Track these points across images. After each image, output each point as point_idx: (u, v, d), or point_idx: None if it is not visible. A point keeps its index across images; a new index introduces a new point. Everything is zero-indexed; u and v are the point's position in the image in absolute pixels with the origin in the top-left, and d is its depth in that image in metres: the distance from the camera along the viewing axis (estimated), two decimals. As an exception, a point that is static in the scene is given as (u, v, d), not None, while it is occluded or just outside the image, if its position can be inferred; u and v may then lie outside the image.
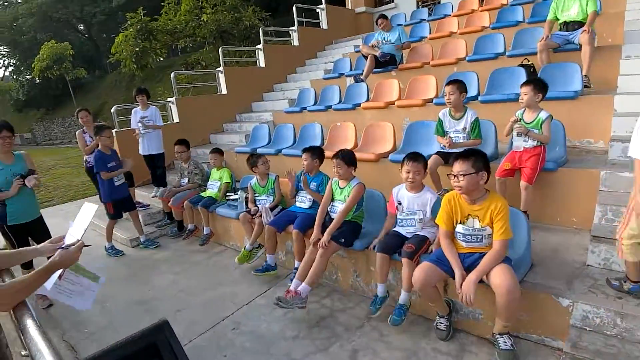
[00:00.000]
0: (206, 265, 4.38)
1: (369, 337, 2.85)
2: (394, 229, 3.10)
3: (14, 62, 35.88)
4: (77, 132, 5.53)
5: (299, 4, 9.30)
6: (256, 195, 4.34)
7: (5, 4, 33.19)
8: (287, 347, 2.84)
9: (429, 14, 9.07)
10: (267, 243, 3.76)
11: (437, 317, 2.77)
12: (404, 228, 3.02)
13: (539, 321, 2.51)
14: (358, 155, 4.53)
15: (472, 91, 4.66)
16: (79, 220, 2.22)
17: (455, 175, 2.43)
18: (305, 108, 6.49)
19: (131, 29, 12.05)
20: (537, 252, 2.87)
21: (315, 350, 2.77)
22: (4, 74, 38.39)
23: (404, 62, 6.67)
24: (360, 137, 4.92)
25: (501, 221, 2.37)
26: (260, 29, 8.74)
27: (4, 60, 37.39)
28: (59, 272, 1.98)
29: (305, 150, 3.86)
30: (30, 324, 1.50)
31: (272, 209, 4.07)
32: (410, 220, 2.97)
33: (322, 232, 3.24)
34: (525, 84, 3.32)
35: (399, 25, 7.21)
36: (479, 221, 2.46)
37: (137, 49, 11.91)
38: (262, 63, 8.71)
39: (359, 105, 5.75)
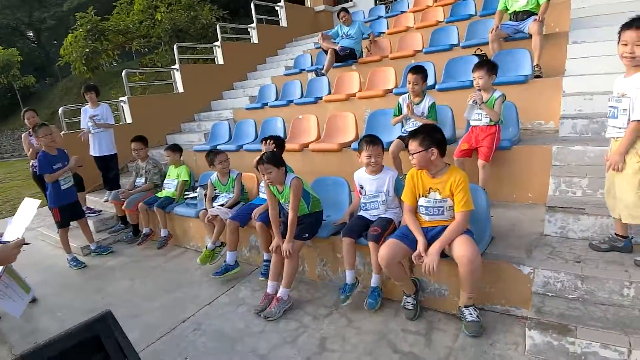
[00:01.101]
0: (164, 269, 4.14)
1: (337, 325, 2.77)
2: (359, 213, 3.04)
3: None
4: (22, 135, 5.13)
5: (257, 1, 9.15)
6: (217, 192, 4.16)
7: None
8: (253, 342, 2.71)
9: (386, 11, 9.21)
10: (228, 239, 3.59)
11: (404, 297, 2.75)
12: (368, 212, 2.97)
13: (503, 291, 2.54)
14: (321, 146, 4.53)
15: (429, 80, 4.73)
16: (18, 217, 2.03)
17: (411, 154, 2.48)
18: (266, 104, 6.37)
19: (81, 30, 11.42)
20: (496, 227, 2.91)
21: (282, 343, 2.65)
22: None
23: (364, 56, 6.69)
24: (323, 128, 4.86)
25: (461, 193, 2.40)
26: (218, 26, 8.53)
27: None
28: (-3, 272, 1.79)
29: (264, 139, 3.73)
30: None
31: (231, 207, 3.90)
32: (374, 203, 2.93)
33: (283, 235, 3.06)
34: (477, 68, 3.36)
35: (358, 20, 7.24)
36: (439, 194, 2.48)
37: (87, 50, 11.29)
38: (220, 61, 8.48)
39: (320, 98, 5.70)
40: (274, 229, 3.15)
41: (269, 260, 3.44)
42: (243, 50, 9.02)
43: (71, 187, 4.34)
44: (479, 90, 3.33)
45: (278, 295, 3.00)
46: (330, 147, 4.35)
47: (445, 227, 2.43)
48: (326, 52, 6.56)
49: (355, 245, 2.90)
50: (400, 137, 3.75)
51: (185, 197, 4.61)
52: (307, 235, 3.06)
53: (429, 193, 2.53)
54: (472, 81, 3.51)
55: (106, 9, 14.12)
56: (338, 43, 6.47)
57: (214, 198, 4.11)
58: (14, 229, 1.96)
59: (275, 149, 3.53)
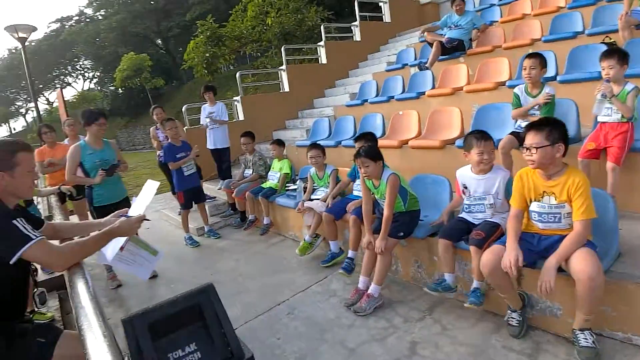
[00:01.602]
0: (265, 254, 4.43)
1: (430, 330, 2.64)
2: (460, 215, 2.85)
3: (98, 74, 39.91)
4: (150, 129, 5.94)
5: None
6: (315, 185, 4.31)
7: (87, 20, 37.00)
8: (341, 334, 2.74)
9: (499, -1, 8.46)
10: (326, 231, 3.69)
11: (509, 312, 2.49)
12: (472, 214, 2.75)
13: (626, 316, 2.16)
14: (421, 142, 4.37)
15: (549, 71, 4.23)
16: (141, 197, 2.31)
17: (527, 148, 2.17)
18: (366, 100, 6.36)
19: (201, 36, 12.82)
20: (625, 242, 2.47)
21: (370, 340, 2.63)
22: (89, 86, 42.85)
23: (473, 47, 6.25)
24: (425, 125, 4.67)
25: (581, 198, 2.08)
26: (322, 26, 8.79)
27: (89, 73, 41.92)
28: (121, 243, 2.08)
29: (357, 138, 3.73)
30: (79, 281, 1.57)
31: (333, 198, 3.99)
32: (479, 206, 2.69)
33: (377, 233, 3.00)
34: (606, 56, 2.87)
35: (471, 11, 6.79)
36: (555, 198, 2.18)
37: (207, 55, 12.63)
38: (323, 60, 8.73)
39: (423, 93, 5.48)
40: (365, 225, 3.13)
41: (352, 259, 3.45)
42: (345, 48, 9.14)
43: (193, 174, 4.90)
44: (608, 81, 2.86)
45: (369, 291, 2.97)
46: (431, 144, 4.16)
47: (562, 237, 2.13)
48: (431, 45, 6.29)
49: (453, 248, 2.73)
50: (513, 133, 3.41)
51: (287, 188, 4.86)
52: (401, 234, 2.98)
53: (542, 197, 2.24)
54: (600, 72, 3.02)
55: (223, 17, 15.58)
56: (445, 35, 6.15)
57: (313, 191, 4.25)
58: (137, 206, 2.24)
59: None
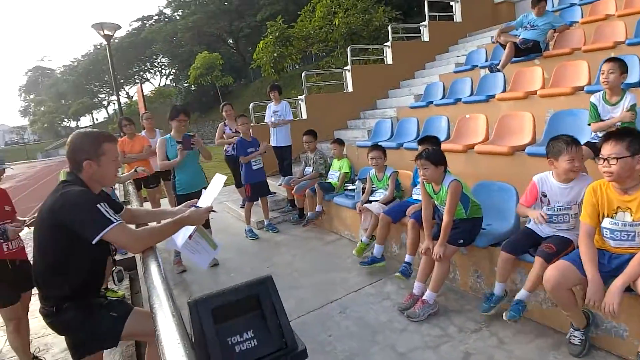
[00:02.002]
0: (320, 251, 4.51)
1: (485, 343, 2.54)
2: (527, 226, 2.70)
3: (174, 71, 42.68)
4: (219, 125, 6.28)
5: (431, -1, 8.96)
6: (374, 187, 4.30)
7: (166, 20, 39.63)
8: (393, 338, 2.72)
9: (580, -2, 7.78)
10: (378, 233, 3.67)
11: (571, 330, 2.34)
12: (553, 225, 2.54)
13: None
14: (489, 148, 4.18)
15: (632, 77, 3.85)
16: (210, 189, 2.48)
17: (605, 159, 2.01)
18: (431, 102, 6.19)
19: (270, 37, 13.28)
20: None
21: (423, 346, 2.59)
22: (165, 82, 46.02)
23: (550, 49, 5.84)
24: (493, 129, 4.46)
25: None
26: (389, 27, 8.69)
27: (166, 70, 44.99)
28: (190, 232, 2.25)
29: (421, 141, 3.65)
30: (152, 263, 1.72)
31: (385, 203, 3.96)
32: (563, 216, 2.49)
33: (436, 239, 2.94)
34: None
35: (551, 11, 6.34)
36: (631, 214, 2.01)
37: (275, 55, 13.08)
38: (389, 60, 8.63)
39: (493, 96, 5.22)
40: (425, 230, 3.07)
41: (409, 263, 3.39)
42: (412, 49, 8.96)
43: (260, 169, 5.13)
44: None
45: (424, 297, 2.92)
46: (499, 149, 3.96)
47: (633, 256, 1.96)
48: (504, 46, 5.97)
49: (514, 261, 2.60)
50: (587, 143, 3.14)
51: (345, 188, 4.90)
52: (461, 241, 2.88)
53: (616, 213, 2.07)
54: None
55: (292, 18, 15.98)
56: (519, 35, 5.81)
57: (371, 192, 4.25)
58: (206, 198, 2.40)
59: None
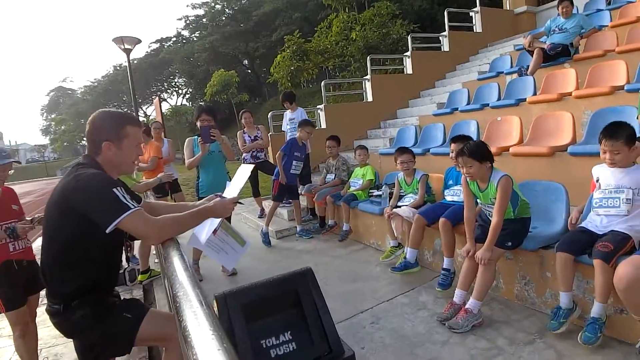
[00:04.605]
0: (346, 260, 4.25)
1: (541, 356, 2.24)
2: (582, 225, 2.43)
3: (190, 90, 43.40)
4: (238, 133, 6.15)
5: (450, 9, 8.85)
6: (402, 192, 4.06)
7: (184, 41, 40.54)
8: (435, 351, 2.43)
9: (608, 3, 7.59)
10: (411, 236, 3.40)
11: None
12: (602, 210, 2.31)
13: None
14: (526, 149, 3.92)
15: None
16: (235, 180, 2.29)
17: None
18: (456, 109, 5.97)
19: (288, 51, 13.34)
20: None
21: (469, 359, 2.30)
22: (182, 102, 46.75)
23: (579, 52, 5.61)
24: (527, 131, 4.21)
25: None
26: (409, 36, 8.59)
27: (183, 89, 45.74)
28: (215, 226, 2.03)
29: (455, 139, 3.42)
30: (174, 253, 1.49)
31: (415, 208, 3.71)
32: (614, 200, 2.25)
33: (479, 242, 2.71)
34: None
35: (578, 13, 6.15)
36: None
37: (292, 68, 13.10)
38: (409, 70, 8.49)
39: (523, 100, 4.99)
40: (467, 233, 2.80)
41: (448, 270, 3.13)
42: (432, 59, 8.83)
43: (295, 175, 5.09)
44: None
45: (467, 306, 2.63)
46: (538, 150, 3.71)
47: None
48: (531, 53, 5.77)
49: (574, 263, 2.32)
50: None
51: (370, 194, 4.66)
52: (509, 243, 2.60)
53: None
54: None
55: (308, 34, 16.10)
56: (546, 41, 5.62)
57: (400, 197, 4.01)
58: (232, 189, 2.20)
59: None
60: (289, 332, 1.37)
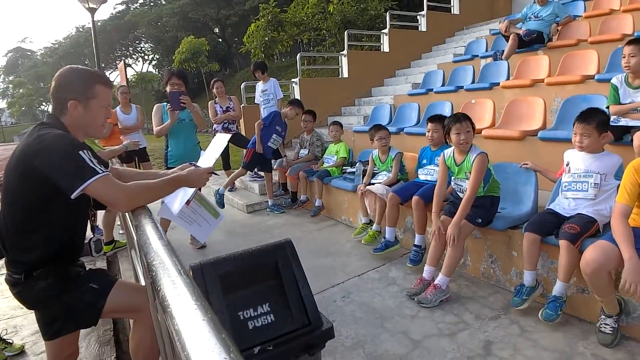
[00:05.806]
0: (317, 235, 4.25)
1: (506, 331, 2.34)
2: (549, 207, 2.52)
3: (157, 57, 41.35)
4: (209, 103, 5.93)
5: (429, -12, 8.79)
6: (376, 169, 4.07)
7: (152, 4, 38.42)
8: (404, 324, 2.50)
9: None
10: (387, 215, 3.43)
11: (602, 317, 2.16)
12: (570, 193, 2.41)
13: None
14: (498, 132, 4.01)
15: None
16: (210, 149, 2.18)
17: None
18: (431, 90, 6.00)
19: (262, 20, 12.86)
20: None
21: (438, 333, 2.37)
22: (148, 68, 44.60)
23: (553, 40, 5.74)
24: (500, 114, 4.30)
25: None
26: (388, 13, 8.48)
27: (149, 56, 43.59)
28: (188, 196, 1.94)
29: (431, 119, 3.44)
30: (146, 220, 1.40)
31: (388, 185, 3.74)
32: (582, 184, 2.35)
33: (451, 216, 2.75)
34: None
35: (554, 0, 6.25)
36: None
37: (266, 39, 12.67)
38: (386, 48, 8.42)
39: (497, 84, 5.08)
40: (434, 207, 2.84)
41: (419, 246, 3.20)
42: (410, 38, 8.80)
43: (271, 149, 5.01)
44: None
45: (436, 282, 2.71)
46: (510, 134, 3.80)
47: None
48: (506, 38, 5.84)
49: (540, 243, 2.41)
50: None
51: (344, 171, 4.65)
52: (479, 220, 2.67)
53: None
54: None
55: (284, 3, 15.55)
56: (521, 27, 5.70)
57: (373, 175, 4.02)
58: (206, 158, 2.09)
59: None
60: (267, 304, 1.34)
